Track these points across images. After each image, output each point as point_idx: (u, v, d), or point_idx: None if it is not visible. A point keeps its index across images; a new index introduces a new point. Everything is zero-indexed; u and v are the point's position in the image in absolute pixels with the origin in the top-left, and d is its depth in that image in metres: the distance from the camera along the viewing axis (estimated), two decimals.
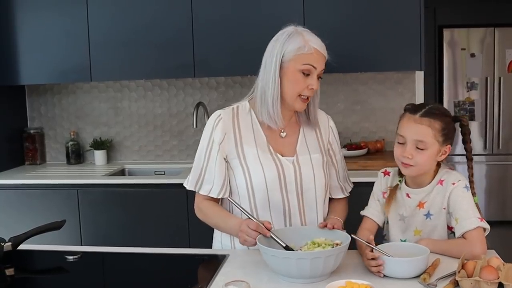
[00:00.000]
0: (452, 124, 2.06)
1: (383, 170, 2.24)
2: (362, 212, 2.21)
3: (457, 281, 1.73)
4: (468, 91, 6.16)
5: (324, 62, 2.12)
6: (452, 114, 2.10)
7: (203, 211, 2.23)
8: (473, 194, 2.06)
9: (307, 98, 2.12)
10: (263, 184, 2.13)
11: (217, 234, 2.32)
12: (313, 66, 2.07)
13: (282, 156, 2.17)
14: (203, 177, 2.20)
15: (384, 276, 1.84)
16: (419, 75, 4.01)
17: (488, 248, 2.00)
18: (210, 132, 2.18)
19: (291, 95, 2.10)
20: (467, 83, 6.15)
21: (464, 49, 6.16)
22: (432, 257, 1.89)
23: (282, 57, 2.08)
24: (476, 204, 2.04)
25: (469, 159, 2.16)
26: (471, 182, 2.09)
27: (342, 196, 2.33)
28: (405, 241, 2.09)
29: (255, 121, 2.19)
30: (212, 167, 2.17)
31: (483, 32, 6.11)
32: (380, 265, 1.84)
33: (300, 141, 2.22)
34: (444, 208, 2.03)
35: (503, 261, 1.82)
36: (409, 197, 2.10)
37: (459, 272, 1.75)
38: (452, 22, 6.34)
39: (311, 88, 2.09)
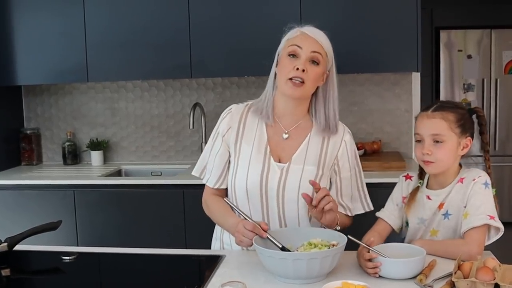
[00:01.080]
0: (467, 115, 2.06)
1: (404, 174, 2.23)
2: (378, 214, 2.19)
3: (453, 282, 1.73)
4: (464, 92, 6.18)
5: (316, 45, 2.06)
6: None
7: (209, 206, 2.25)
8: (492, 185, 2.04)
9: (300, 83, 2.04)
10: (244, 183, 2.13)
11: (217, 232, 2.33)
12: (297, 46, 2.06)
13: (278, 161, 2.13)
14: (206, 165, 2.26)
15: (380, 277, 1.84)
16: (416, 77, 4.02)
17: (484, 250, 2.00)
18: (218, 123, 2.23)
19: (281, 81, 2.08)
20: (463, 84, 6.17)
21: (461, 50, 6.18)
22: (428, 258, 1.89)
23: (279, 51, 2.13)
24: (494, 196, 2.03)
25: (486, 151, 2.15)
26: (488, 174, 2.08)
27: (343, 212, 2.20)
28: None
29: (261, 120, 2.18)
30: (213, 158, 2.22)
31: (480, 33, 6.12)
32: (376, 267, 1.83)
33: (301, 149, 2.15)
34: (464, 207, 2.01)
35: (499, 262, 1.81)
36: (429, 199, 2.09)
37: (455, 273, 1.75)
38: (449, 24, 6.36)
39: (297, 68, 2.03)
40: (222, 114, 2.24)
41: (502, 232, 1.98)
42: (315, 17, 3.58)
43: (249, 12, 3.68)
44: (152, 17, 3.78)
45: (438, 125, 2.01)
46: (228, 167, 2.21)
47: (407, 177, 2.20)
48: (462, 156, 2.07)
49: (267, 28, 3.59)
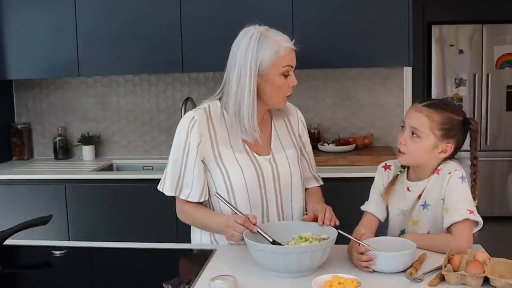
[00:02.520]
0: (458, 123, 2.02)
1: (383, 164, 2.22)
2: (363, 207, 2.19)
3: (443, 275, 1.74)
4: (456, 87, 6.19)
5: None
6: None
7: (189, 214, 2.20)
8: (474, 197, 2.02)
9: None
10: (242, 184, 2.12)
11: (195, 233, 2.29)
12: (290, 66, 2.08)
13: (258, 155, 2.16)
14: (182, 181, 2.15)
15: (372, 270, 1.85)
16: (408, 71, 4.03)
17: (474, 243, 2.01)
18: (185, 135, 2.12)
19: (277, 100, 2.11)
20: (455, 79, 6.18)
21: (453, 45, 6.19)
22: (418, 252, 1.90)
23: (260, 66, 2.03)
24: (477, 207, 2.01)
25: (473, 164, 2.10)
26: (472, 186, 2.06)
27: (316, 184, 2.35)
28: (403, 231, 2.10)
29: (229, 121, 2.14)
30: (191, 171, 2.13)
31: (471, 28, 6.13)
32: (371, 260, 1.84)
33: (273, 138, 2.21)
34: (442, 199, 2.02)
35: (489, 256, 1.82)
36: (409, 190, 2.09)
37: (445, 266, 1.76)
38: (441, 19, 6.37)
39: (293, 85, 2.10)
40: (186, 124, 2.13)
41: (481, 225, 1.99)
42: (307, 12, 3.61)
43: (240, 6, 3.67)
44: (143, 11, 3.77)
45: (420, 120, 2.01)
46: (205, 178, 2.15)
47: (386, 167, 2.20)
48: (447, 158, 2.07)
49: (259, 22, 3.58)
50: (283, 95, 2.11)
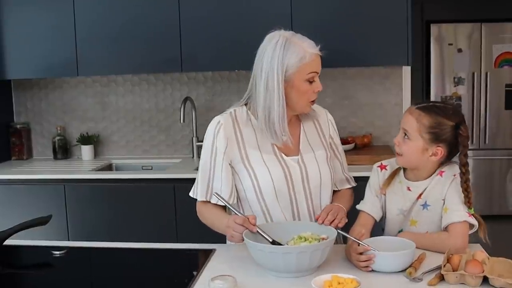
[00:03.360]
0: (448, 128, 2.00)
1: (378, 164, 2.22)
2: (358, 207, 2.19)
3: (442, 275, 1.75)
4: (455, 86, 6.19)
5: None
6: None
7: (202, 214, 2.22)
8: (469, 207, 1.99)
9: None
10: (270, 186, 2.12)
11: None
12: (316, 72, 2.09)
13: (287, 156, 2.16)
14: (212, 186, 2.17)
15: (370, 270, 1.85)
16: (407, 70, 4.03)
17: (473, 242, 2.01)
18: (212, 140, 2.15)
19: (302, 105, 2.12)
20: (454, 78, 6.18)
21: (451, 44, 6.19)
22: (418, 251, 1.90)
23: (285, 72, 2.04)
24: (473, 215, 1.99)
25: (462, 172, 2.01)
26: (466, 196, 2.00)
27: (348, 186, 2.33)
28: (400, 231, 2.10)
29: (256, 124, 2.16)
30: (219, 175, 2.15)
31: (470, 27, 6.13)
32: (370, 260, 1.84)
33: (302, 139, 2.21)
34: (443, 200, 2.02)
35: (488, 255, 1.83)
36: (409, 190, 2.09)
37: (444, 266, 1.76)
38: (440, 17, 6.36)
39: (318, 91, 2.11)
40: (212, 129, 2.15)
41: (476, 228, 2.01)
42: (306, 11, 3.61)
43: (239, 6, 3.68)
44: (142, 11, 3.77)
45: (410, 122, 2.02)
46: (234, 181, 2.17)
47: (382, 167, 2.20)
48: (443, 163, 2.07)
49: (257, 22, 3.59)
50: (308, 100, 2.11)
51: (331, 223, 1.99)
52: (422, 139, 2.01)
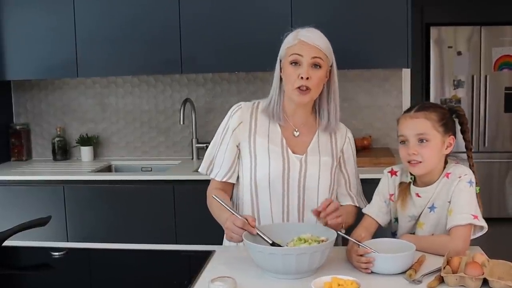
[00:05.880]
0: (448, 115, 2.07)
1: (389, 169, 2.21)
2: (364, 210, 2.19)
3: (442, 277, 1.74)
4: (454, 89, 6.20)
5: (315, 51, 2.10)
6: None
7: (211, 203, 2.24)
8: (476, 183, 2.04)
9: (306, 90, 2.10)
10: (266, 175, 2.16)
11: None
12: (298, 54, 2.10)
13: (293, 153, 2.19)
14: (214, 161, 2.27)
15: (370, 272, 1.85)
16: (406, 73, 4.03)
17: (473, 245, 2.01)
18: (227, 119, 2.25)
19: (288, 89, 2.14)
20: (453, 81, 6.20)
21: (451, 47, 6.20)
22: (418, 253, 1.90)
23: (281, 57, 2.17)
24: (478, 195, 2.03)
25: (469, 149, 2.17)
26: (473, 171, 2.08)
27: (350, 202, 2.28)
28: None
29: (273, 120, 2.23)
30: (223, 151, 2.23)
31: (469, 30, 6.15)
32: (369, 262, 1.84)
33: (313, 142, 2.23)
34: (449, 201, 2.02)
35: (487, 258, 1.83)
36: (419, 196, 2.09)
37: (444, 268, 1.76)
38: (439, 20, 6.38)
39: (301, 77, 2.09)
40: (231, 110, 2.25)
41: (486, 230, 2.00)
42: (306, 13, 3.61)
43: (240, 7, 3.68)
44: (142, 12, 3.77)
45: (422, 124, 2.02)
46: (238, 162, 2.24)
47: (392, 172, 2.19)
48: (448, 155, 2.08)
49: (258, 23, 3.59)
50: (293, 85, 2.11)
51: (327, 215, 1.97)
52: (439, 134, 2.02)
